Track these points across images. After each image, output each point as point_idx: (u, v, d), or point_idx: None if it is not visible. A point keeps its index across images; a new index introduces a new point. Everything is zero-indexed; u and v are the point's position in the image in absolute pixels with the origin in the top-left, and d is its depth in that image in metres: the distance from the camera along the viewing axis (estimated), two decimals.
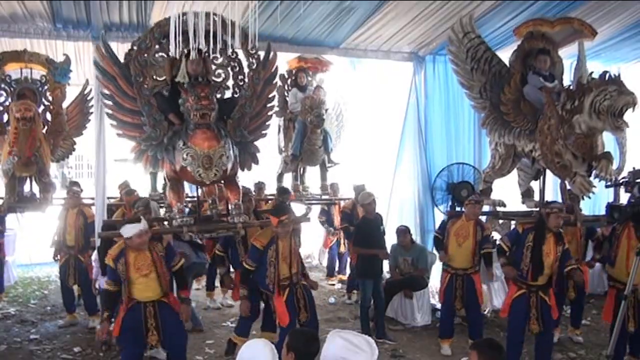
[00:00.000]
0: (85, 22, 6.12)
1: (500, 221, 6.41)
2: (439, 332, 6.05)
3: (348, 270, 8.81)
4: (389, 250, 6.61)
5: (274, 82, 5.57)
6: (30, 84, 6.74)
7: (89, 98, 7.23)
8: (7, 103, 6.64)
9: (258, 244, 4.96)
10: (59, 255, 6.79)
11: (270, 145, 7.84)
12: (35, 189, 6.73)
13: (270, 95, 5.51)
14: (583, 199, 5.77)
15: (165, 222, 5.55)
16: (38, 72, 6.85)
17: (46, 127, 6.74)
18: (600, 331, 6.36)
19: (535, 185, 6.40)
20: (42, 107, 6.76)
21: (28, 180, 6.70)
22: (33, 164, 6.22)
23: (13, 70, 6.75)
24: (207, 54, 4.65)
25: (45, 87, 6.81)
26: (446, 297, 5.90)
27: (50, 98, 6.86)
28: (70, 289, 6.75)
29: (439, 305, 7.12)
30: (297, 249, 5.13)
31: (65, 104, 7.04)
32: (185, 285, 4.76)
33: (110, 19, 6.17)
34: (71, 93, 7.28)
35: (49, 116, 6.86)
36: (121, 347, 4.69)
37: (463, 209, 6.15)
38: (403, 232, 6.85)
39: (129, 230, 4.37)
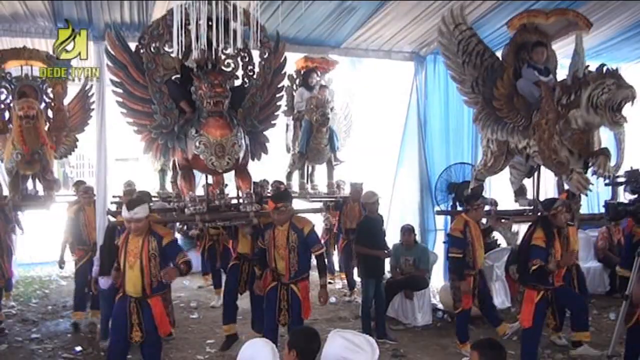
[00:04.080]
0: (86, 22, 6.12)
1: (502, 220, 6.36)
2: (462, 337, 5.73)
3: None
4: (391, 249, 6.63)
5: (283, 72, 5.58)
6: (31, 81, 6.74)
7: (90, 94, 7.23)
8: (8, 101, 6.64)
9: (262, 222, 5.02)
10: (74, 255, 6.73)
11: (278, 144, 7.85)
12: (39, 186, 6.74)
13: (279, 85, 5.52)
14: (580, 196, 5.70)
15: (174, 214, 5.54)
16: (38, 68, 6.84)
17: (48, 124, 6.73)
18: (601, 331, 6.35)
19: (528, 182, 6.35)
20: (43, 104, 6.75)
21: (31, 178, 6.70)
22: (37, 162, 6.22)
23: (13, 67, 6.74)
24: (218, 45, 4.64)
25: (46, 84, 6.80)
26: (477, 300, 5.70)
27: (51, 95, 6.86)
28: (84, 286, 6.75)
29: (440, 305, 7.16)
30: (301, 252, 4.85)
31: (66, 101, 7.03)
32: (187, 267, 4.35)
33: (111, 18, 6.18)
34: (72, 90, 7.29)
35: (50, 113, 6.85)
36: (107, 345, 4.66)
37: (465, 207, 6.07)
38: (408, 231, 6.85)
39: (124, 211, 4.34)
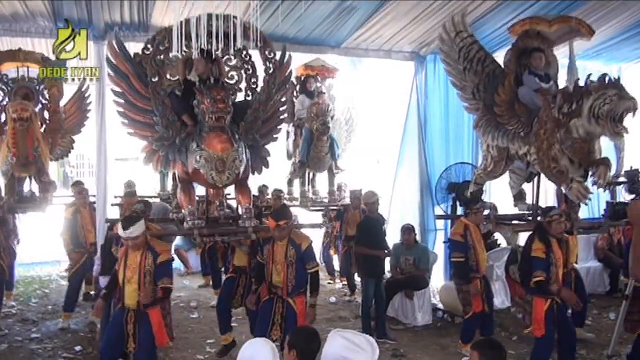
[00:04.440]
0: (86, 22, 6.12)
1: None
2: (467, 338, 5.73)
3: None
4: (391, 249, 6.63)
5: (287, 85, 5.56)
6: (28, 82, 6.71)
7: (87, 96, 7.21)
8: (4, 103, 6.62)
9: (261, 237, 5.01)
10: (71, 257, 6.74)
11: (280, 151, 7.85)
12: (35, 188, 6.72)
13: (282, 99, 5.50)
14: (580, 205, 5.68)
15: (173, 225, 5.53)
16: (35, 70, 6.81)
17: (44, 126, 6.71)
18: (601, 331, 6.35)
19: (528, 187, 6.34)
20: (39, 106, 6.72)
21: (27, 180, 6.68)
22: (32, 164, 6.20)
23: (10, 69, 6.73)
24: (220, 56, 4.64)
25: (43, 86, 6.77)
26: (484, 303, 5.68)
27: (47, 97, 6.82)
28: (79, 288, 6.76)
29: (440, 305, 7.16)
30: (299, 267, 4.81)
31: (63, 102, 7.01)
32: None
33: (111, 19, 6.18)
34: (70, 91, 7.28)
35: (47, 115, 6.83)
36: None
37: (465, 211, 6.07)
38: (408, 230, 6.86)
39: (120, 230, 4.34)
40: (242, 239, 5.50)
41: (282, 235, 4.77)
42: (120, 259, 4.41)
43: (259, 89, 5.23)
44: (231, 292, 5.54)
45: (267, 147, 5.39)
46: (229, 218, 5.56)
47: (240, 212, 5.36)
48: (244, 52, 5.08)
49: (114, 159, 8.01)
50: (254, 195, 5.40)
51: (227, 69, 5.14)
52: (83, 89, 7.22)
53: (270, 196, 7.90)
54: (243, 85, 5.35)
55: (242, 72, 5.23)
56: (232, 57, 4.83)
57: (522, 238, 6.18)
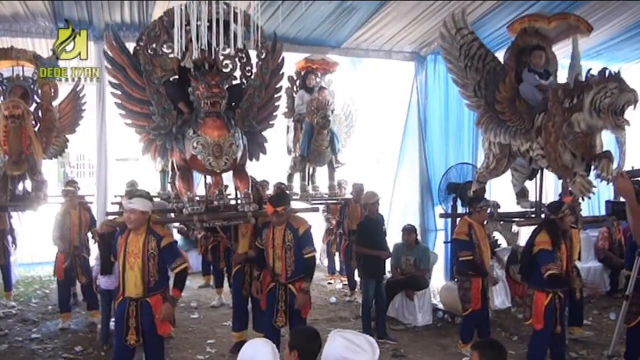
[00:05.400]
0: (86, 22, 6.13)
1: (502, 222, 6.36)
2: (466, 337, 5.75)
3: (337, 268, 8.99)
4: (391, 249, 6.62)
5: (281, 72, 5.58)
6: (22, 81, 6.70)
7: (81, 95, 7.20)
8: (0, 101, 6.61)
9: (260, 221, 5.03)
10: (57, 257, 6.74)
11: (279, 146, 7.85)
12: (30, 187, 6.70)
13: (277, 86, 5.52)
14: (583, 199, 5.70)
15: (172, 214, 5.54)
16: (30, 69, 6.79)
17: (38, 125, 6.69)
18: (601, 331, 6.35)
19: (529, 184, 6.35)
20: (34, 105, 6.71)
21: (23, 179, 6.67)
22: (24, 162, 6.16)
23: (5, 68, 6.72)
24: (220, 46, 4.66)
25: (36, 85, 6.76)
26: (483, 301, 5.69)
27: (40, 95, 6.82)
28: (69, 288, 6.76)
29: (440, 305, 7.16)
30: (297, 252, 4.84)
31: (58, 101, 7.00)
32: (180, 287, 4.43)
33: (111, 19, 6.19)
34: (67, 90, 7.26)
35: (40, 113, 6.81)
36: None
37: (468, 210, 6.07)
38: (409, 230, 6.86)
39: (125, 203, 4.31)
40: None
41: (279, 220, 4.79)
42: (120, 247, 4.34)
43: (252, 76, 5.25)
44: (242, 283, 5.58)
45: (265, 134, 5.40)
46: (228, 206, 5.57)
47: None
48: (239, 40, 5.09)
49: (114, 159, 8.00)
50: (254, 180, 5.41)
51: (221, 57, 5.15)
52: (78, 89, 7.20)
53: (270, 190, 7.90)
54: (237, 73, 5.36)
55: (236, 59, 5.25)
56: (227, 46, 4.82)
57: (523, 239, 6.20)
